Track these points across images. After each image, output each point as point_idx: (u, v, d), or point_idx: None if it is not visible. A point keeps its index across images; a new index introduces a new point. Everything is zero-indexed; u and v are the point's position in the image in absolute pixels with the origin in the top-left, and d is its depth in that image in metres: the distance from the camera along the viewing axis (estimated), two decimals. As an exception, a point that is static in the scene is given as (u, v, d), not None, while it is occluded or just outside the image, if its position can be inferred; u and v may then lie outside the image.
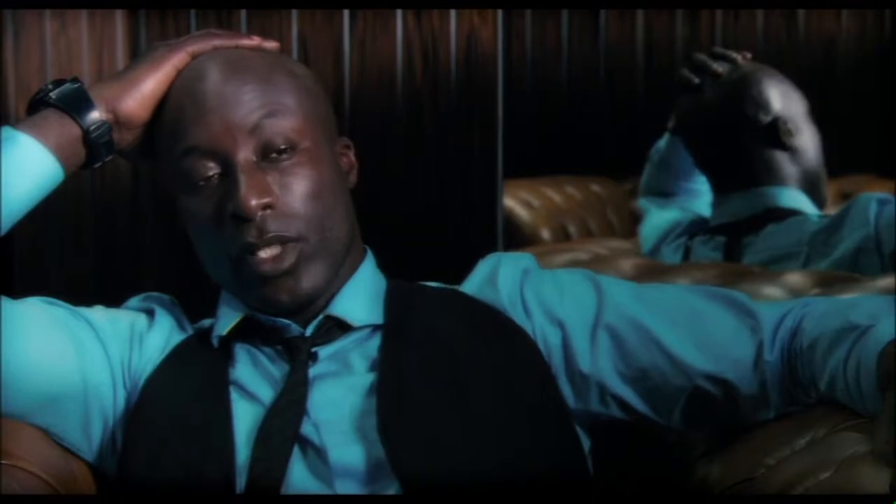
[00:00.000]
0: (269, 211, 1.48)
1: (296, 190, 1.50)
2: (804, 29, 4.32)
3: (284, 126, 1.50)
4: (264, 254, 1.49)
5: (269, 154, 1.50)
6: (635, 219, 3.69)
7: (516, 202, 3.78)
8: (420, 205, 2.33)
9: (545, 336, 1.54)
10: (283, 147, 1.50)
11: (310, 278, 1.51)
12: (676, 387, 1.51)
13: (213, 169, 1.50)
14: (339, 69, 2.28)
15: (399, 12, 2.31)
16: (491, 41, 2.31)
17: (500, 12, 2.32)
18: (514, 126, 2.54)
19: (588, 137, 4.35)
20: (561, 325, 1.54)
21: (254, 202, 1.47)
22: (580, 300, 1.55)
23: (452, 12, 2.31)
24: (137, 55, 1.59)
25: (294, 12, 2.30)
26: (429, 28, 2.31)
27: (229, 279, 1.53)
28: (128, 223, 2.34)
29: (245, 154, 1.49)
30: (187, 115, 1.50)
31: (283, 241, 1.49)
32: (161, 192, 2.30)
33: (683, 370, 1.51)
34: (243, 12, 2.26)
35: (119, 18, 2.33)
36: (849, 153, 2.75)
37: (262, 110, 1.50)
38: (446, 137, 2.33)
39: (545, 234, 3.81)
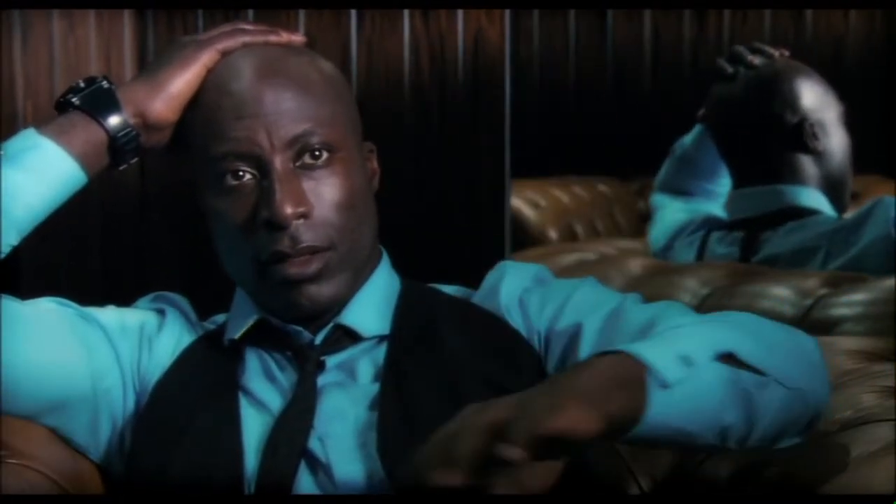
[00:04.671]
0: (302, 220, 1.48)
1: (330, 199, 1.49)
2: (812, 29, 4.32)
3: (324, 137, 1.49)
4: (293, 265, 1.48)
5: (304, 160, 1.49)
6: (643, 219, 3.69)
7: (524, 202, 3.78)
8: (427, 205, 2.33)
9: (531, 347, 1.53)
10: (319, 155, 1.50)
11: (333, 286, 1.51)
12: None
13: (247, 172, 1.48)
14: (346, 69, 2.28)
15: (406, 12, 2.31)
16: (498, 41, 2.31)
17: (507, 12, 2.32)
18: (522, 126, 2.54)
19: (595, 137, 4.35)
20: (537, 335, 1.53)
21: (289, 211, 1.46)
22: (552, 309, 1.53)
23: (460, 12, 2.31)
24: (165, 52, 1.56)
25: (301, 12, 2.30)
26: (436, 28, 2.31)
27: (252, 281, 1.52)
28: (135, 221, 2.34)
29: (282, 161, 1.47)
30: (224, 117, 1.49)
31: (314, 251, 1.48)
32: (169, 188, 2.31)
33: None
34: (251, 12, 2.26)
35: (127, 19, 2.33)
36: (855, 153, 2.75)
37: (303, 121, 1.48)
38: (453, 137, 2.33)
39: (552, 234, 3.81)
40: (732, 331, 1.33)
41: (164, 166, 2.24)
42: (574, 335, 1.49)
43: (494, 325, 1.54)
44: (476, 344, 1.52)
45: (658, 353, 1.23)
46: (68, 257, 2.34)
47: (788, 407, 1.32)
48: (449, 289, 1.63)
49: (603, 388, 1.19)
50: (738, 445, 1.31)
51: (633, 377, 1.21)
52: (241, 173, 1.48)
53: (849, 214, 2.65)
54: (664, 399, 1.22)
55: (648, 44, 4.35)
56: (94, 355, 1.54)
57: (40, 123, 1.52)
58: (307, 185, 1.48)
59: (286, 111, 1.48)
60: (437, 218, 2.32)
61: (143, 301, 1.65)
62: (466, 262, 2.28)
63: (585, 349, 1.47)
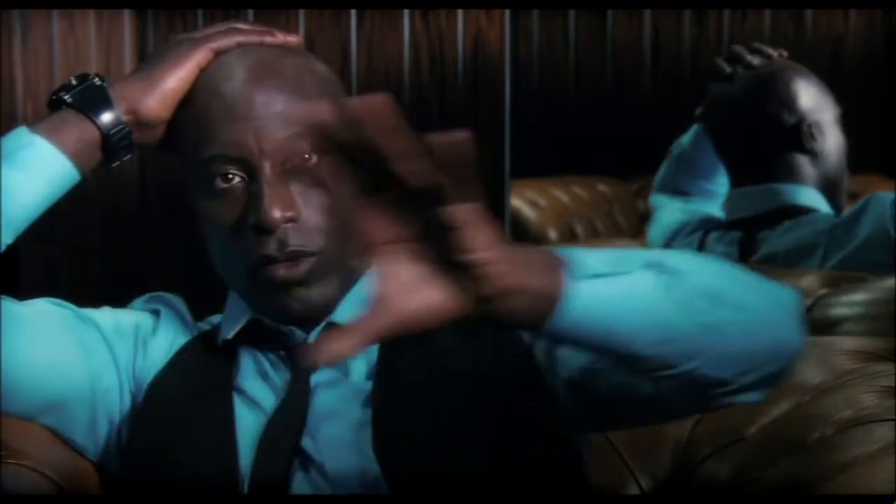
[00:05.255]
0: (290, 224, 1.48)
1: (319, 203, 1.49)
2: (811, 29, 4.33)
3: (314, 141, 1.49)
4: (281, 269, 1.47)
5: (295, 163, 1.49)
6: (642, 219, 3.69)
7: (523, 202, 3.78)
8: (427, 205, 2.32)
9: (526, 340, 1.53)
10: (309, 159, 1.49)
11: (322, 289, 1.50)
12: (567, 377, 1.47)
13: (236, 175, 1.48)
14: (346, 69, 2.27)
15: (406, 12, 2.31)
16: (498, 41, 2.31)
17: (507, 12, 2.32)
18: (522, 126, 2.54)
19: (595, 137, 4.35)
20: None
21: (277, 215, 1.46)
22: None
23: (460, 12, 2.31)
24: (159, 49, 1.56)
25: (301, 12, 2.30)
26: (436, 28, 2.31)
27: (242, 285, 1.52)
28: (133, 221, 2.34)
29: (271, 165, 1.47)
30: (215, 119, 1.48)
31: (302, 255, 1.48)
32: (168, 188, 2.31)
33: (560, 360, 1.46)
34: (251, 12, 2.26)
35: (127, 19, 2.33)
36: (855, 153, 2.75)
37: (293, 125, 1.49)
38: (453, 137, 2.32)
39: (552, 234, 3.81)
40: (678, 254, 1.29)
41: (162, 166, 2.24)
42: None
43: None
44: (468, 338, 1.51)
45: (583, 253, 1.20)
46: (67, 257, 2.34)
47: (745, 332, 1.25)
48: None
49: (524, 256, 1.15)
50: (691, 367, 1.24)
51: (553, 264, 1.17)
52: (230, 176, 1.48)
53: (845, 212, 2.65)
54: (587, 291, 1.17)
55: (648, 44, 4.35)
56: (91, 356, 1.54)
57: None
58: (295, 187, 1.48)
59: (276, 115, 1.48)
60: (436, 218, 2.32)
61: (139, 302, 1.65)
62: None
63: None
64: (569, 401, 1.47)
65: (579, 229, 3.92)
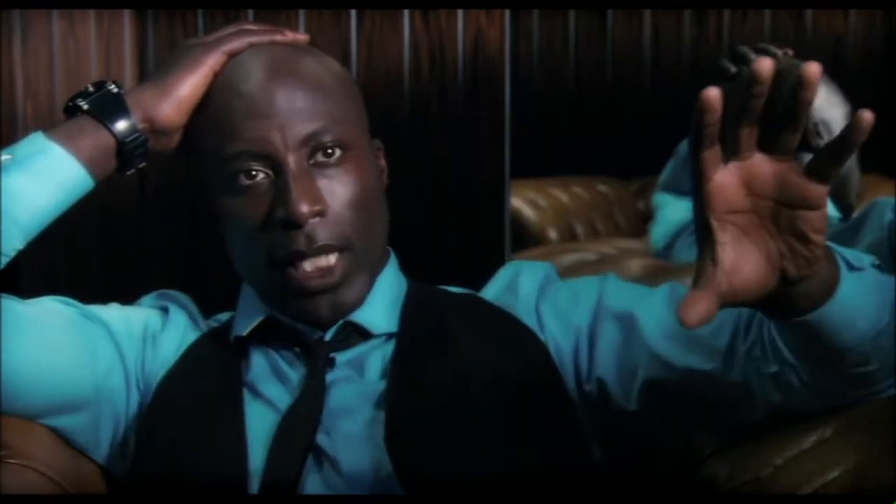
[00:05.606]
0: (318, 219, 1.48)
1: (344, 197, 1.50)
2: (811, 29, 4.32)
3: (336, 134, 1.50)
4: (310, 265, 1.48)
5: (318, 159, 1.49)
6: (643, 219, 3.69)
7: (523, 202, 3.78)
8: (427, 205, 2.33)
9: (557, 344, 1.53)
10: (332, 153, 1.50)
11: (352, 292, 1.51)
12: (651, 379, 1.50)
13: (261, 171, 1.49)
14: (346, 69, 2.27)
15: (406, 12, 2.31)
16: (498, 41, 2.31)
17: (507, 12, 2.32)
18: (522, 126, 2.54)
19: (595, 137, 4.34)
20: (577, 331, 1.54)
21: (305, 209, 1.47)
22: (589, 303, 1.55)
23: (460, 12, 2.31)
24: (172, 55, 1.57)
25: (301, 12, 2.30)
26: (436, 28, 2.31)
27: (266, 282, 1.53)
28: (135, 219, 2.34)
29: (296, 159, 1.48)
30: (236, 118, 1.49)
31: (330, 250, 1.49)
32: (168, 188, 2.31)
33: (661, 363, 1.49)
34: (251, 12, 2.26)
35: (127, 19, 2.33)
36: (856, 153, 2.74)
37: (316, 120, 1.49)
38: (453, 137, 2.32)
39: (552, 234, 3.81)
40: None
41: (163, 167, 2.24)
42: (630, 317, 1.50)
43: (503, 320, 1.54)
44: (484, 339, 1.52)
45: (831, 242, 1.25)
46: (68, 257, 2.34)
47: None
48: (452, 290, 1.63)
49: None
50: (876, 367, 1.30)
51: (830, 253, 1.22)
52: (254, 173, 1.49)
53: (855, 214, 2.64)
54: (850, 284, 1.23)
55: (648, 44, 4.34)
56: (97, 355, 1.54)
57: (40, 123, 1.53)
58: (321, 183, 1.49)
59: (299, 110, 1.49)
60: (436, 218, 2.32)
61: (147, 299, 1.65)
62: (466, 262, 2.28)
63: (652, 322, 1.49)
64: (629, 402, 1.50)
65: (579, 229, 3.92)
